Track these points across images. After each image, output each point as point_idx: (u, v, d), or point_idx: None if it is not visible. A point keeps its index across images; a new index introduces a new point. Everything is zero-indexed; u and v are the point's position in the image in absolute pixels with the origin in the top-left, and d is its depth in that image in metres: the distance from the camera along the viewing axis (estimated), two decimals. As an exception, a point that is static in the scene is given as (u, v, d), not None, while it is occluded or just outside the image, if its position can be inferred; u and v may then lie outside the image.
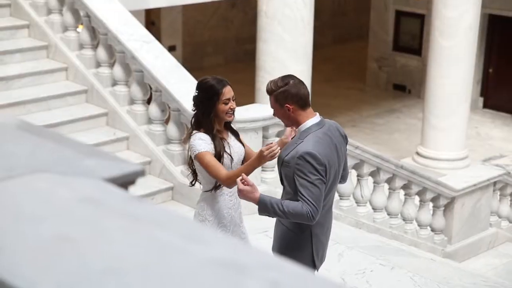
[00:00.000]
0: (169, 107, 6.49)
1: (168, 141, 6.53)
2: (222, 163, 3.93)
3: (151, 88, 6.62)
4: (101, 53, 6.89)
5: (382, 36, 16.99)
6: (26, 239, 1.15)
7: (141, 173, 1.44)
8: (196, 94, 4.02)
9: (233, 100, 3.98)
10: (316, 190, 3.65)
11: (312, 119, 3.79)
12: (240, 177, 3.72)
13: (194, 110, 4.05)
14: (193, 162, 4.04)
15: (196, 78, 6.67)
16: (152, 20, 15.72)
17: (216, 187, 3.98)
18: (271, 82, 3.83)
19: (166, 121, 6.65)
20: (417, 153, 12.43)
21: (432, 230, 7.64)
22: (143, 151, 6.61)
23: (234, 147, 4.04)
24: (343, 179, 4.09)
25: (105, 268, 1.09)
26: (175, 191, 6.45)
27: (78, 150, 1.50)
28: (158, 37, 15.73)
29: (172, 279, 1.07)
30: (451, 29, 11.58)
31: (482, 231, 8.09)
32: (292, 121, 3.81)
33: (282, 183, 3.90)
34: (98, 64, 6.99)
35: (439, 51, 11.78)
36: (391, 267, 5.54)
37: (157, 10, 15.28)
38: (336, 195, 6.88)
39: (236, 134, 4.15)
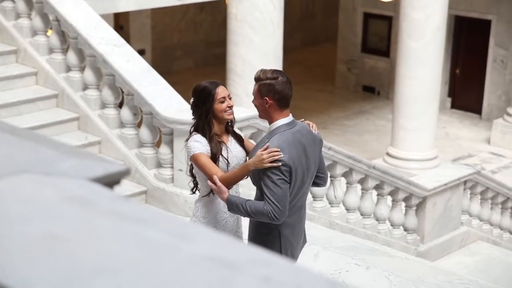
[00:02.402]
0: (141, 111, 6.46)
1: (141, 144, 6.50)
2: (218, 167, 3.90)
3: (122, 92, 6.58)
4: (72, 57, 6.84)
5: (351, 38, 17.09)
6: (16, 239, 1.13)
7: (126, 173, 1.43)
8: (192, 100, 3.99)
9: (229, 99, 3.96)
10: (278, 190, 3.66)
11: (283, 119, 3.80)
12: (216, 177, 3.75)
13: (193, 119, 4.01)
14: (193, 168, 4.00)
15: (166, 81, 6.67)
16: (120, 25, 15.64)
17: (213, 191, 3.94)
18: (261, 70, 3.86)
19: (139, 125, 6.62)
20: (388, 154, 12.52)
21: (405, 229, 7.69)
22: (115, 155, 6.57)
23: (233, 151, 3.98)
24: (323, 182, 4.09)
25: (97, 266, 1.08)
26: (149, 195, 6.41)
27: (60, 150, 1.49)
28: (127, 41, 15.65)
29: (164, 276, 1.06)
30: (419, 30, 11.68)
31: (453, 230, 8.16)
32: (265, 115, 3.83)
33: (253, 183, 3.92)
34: (69, 68, 6.94)
35: (407, 52, 11.87)
36: (367, 267, 5.56)
37: (126, 14, 15.22)
38: (310, 196, 6.89)
39: (239, 139, 4.09)
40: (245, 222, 4.15)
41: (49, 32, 7.14)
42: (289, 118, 3.83)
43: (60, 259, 1.09)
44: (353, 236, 6.94)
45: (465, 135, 14.98)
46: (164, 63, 16.81)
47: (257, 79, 3.82)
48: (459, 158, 13.88)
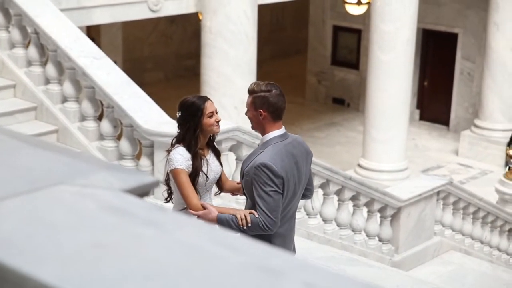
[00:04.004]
0: (121, 123, 6.48)
1: (121, 157, 6.52)
2: (197, 182, 3.96)
3: (102, 104, 6.60)
4: (51, 69, 6.84)
5: (321, 50, 17.27)
6: (64, 247, 1.18)
7: (156, 184, 1.48)
8: (179, 114, 4.04)
9: (216, 113, 4.04)
10: (270, 200, 3.72)
11: (275, 131, 3.86)
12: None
13: (178, 132, 4.06)
14: (169, 178, 4.05)
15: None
16: (92, 37, 15.61)
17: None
18: (255, 83, 3.93)
19: (118, 137, 6.64)
20: (359, 165, 12.66)
21: (380, 240, 7.79)
22: (94, 168, 6.57)
23: (211, 166, 4.07)
24: (310, 193, 4.18)
25: (146, 274, 1.13)
26: (128, 207, 6.43)
27: (92, 163, 1.54)
28: (98, 54, 15.65)
29: (213, 283, 1.12)
30: (389, 43, 11.87)
31: (427, 240, 8.28)
32: (259, 126, 3.90)
33: (243, 192, 3.98)
34: (48, 81, 6.94)
35: (378, 65, 12.05)
36: (347, 277, 5.63)
37: (97, 27, 15.20)
38: (287, 208, 6.97)
39: (217, 154, 4.18)
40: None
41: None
42: (282, 130, 3.90)
43: (110, 266, 1.15)
44: (330, 246, 7.02)
45: (434, 147, 15.21)
46: (135, 76, 16.75)
47: (251, 92, 3.88)
48: (428, 169, 14.09)
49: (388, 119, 12.11)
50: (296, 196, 3.95)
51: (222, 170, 4.17)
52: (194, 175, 3.94)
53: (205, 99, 4.05)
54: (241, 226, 3.75)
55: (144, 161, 6.33)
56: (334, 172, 7.12)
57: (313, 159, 7.06)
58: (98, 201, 1.36)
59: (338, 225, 7.43)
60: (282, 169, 3.75)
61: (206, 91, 10.21)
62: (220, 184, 4.20)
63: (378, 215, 7.76)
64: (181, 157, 3.92)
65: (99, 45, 15.93)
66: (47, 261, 1.15)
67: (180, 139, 4.01)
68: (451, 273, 8.21)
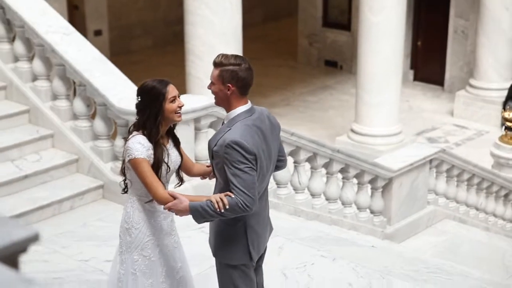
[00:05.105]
0: (94, 102, 6.18)
1: (96, 137, 6.22)
2: (160, 173, 3.67)
3: (74, 83, 6.29)
4: (19, 47, 6.51)
5: (312, 12, 16.86)
6: None
7: (35, 238, 1.19)
8: (139, 100, 3.71)
9: (179, 97, 3.73)
10: (246, 177, 3.48)
11: (242, 107, 3.60)
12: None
13: (137, 118, 3.73)
14: (126, 168, 3.73)
15: (125, 62, 6.37)
16: (75, 4, 15.19)
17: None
18: (222, 55, 3.60)
19: (92, 116, 6.34)
20: (352, 130, 12.37)
21: (371, 212, 7.55)
22: (69, 149, 6.29)
23: (171, 156, 3.78)
24: (283, 164, 3.94)
25: None
26: (106, 189, 6.16)
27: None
28: (83, 22, 15.22)
29: None
30: (379, 3, 11.50)
31: (420, 210, 8.05)
32: (224, 102, 3.61)
33: (214, 173, 3.73)
34: (16, 59, 6.61)
35: (369, 26, 11.70)
36: (333, 258, 5.38)
37: (80, -6, 14.80)
38: (273, 184, 6.70)
39: (176, 143, 3.87)
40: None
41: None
42: (248, 105, 3.64)
43: None
44: (319, 222, 6.77)
45: (428, 108, 14.89)
46: (122, 43, 16.44)
47: (219, 64, 3.56)
48: (423, 131, 13.79)
49: (380, 82, 11.78)
50: (268, 173, 3.71)
51: (182, 159, 3.87)
52: (156, 166, 3.64)
53: (167, 82, 3.73)
54: (218, 210, 3.48)
55: (119, 141, 6.04)
56: (321, 145, 6.83)
57: (299, 132, 6.81)
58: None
59: (327, 199, 7.17)
60: (253, 146, 3.51)
61: (191, 60, 9.90)
62: (181, 174, 3.90)
63: (369, 186, 7.49)
64: (141, 146, 3.62)
65: (83, 13, 15.54)
66: None
67: (139, 127, 3.69)
68: (446, 243, 7.97)
